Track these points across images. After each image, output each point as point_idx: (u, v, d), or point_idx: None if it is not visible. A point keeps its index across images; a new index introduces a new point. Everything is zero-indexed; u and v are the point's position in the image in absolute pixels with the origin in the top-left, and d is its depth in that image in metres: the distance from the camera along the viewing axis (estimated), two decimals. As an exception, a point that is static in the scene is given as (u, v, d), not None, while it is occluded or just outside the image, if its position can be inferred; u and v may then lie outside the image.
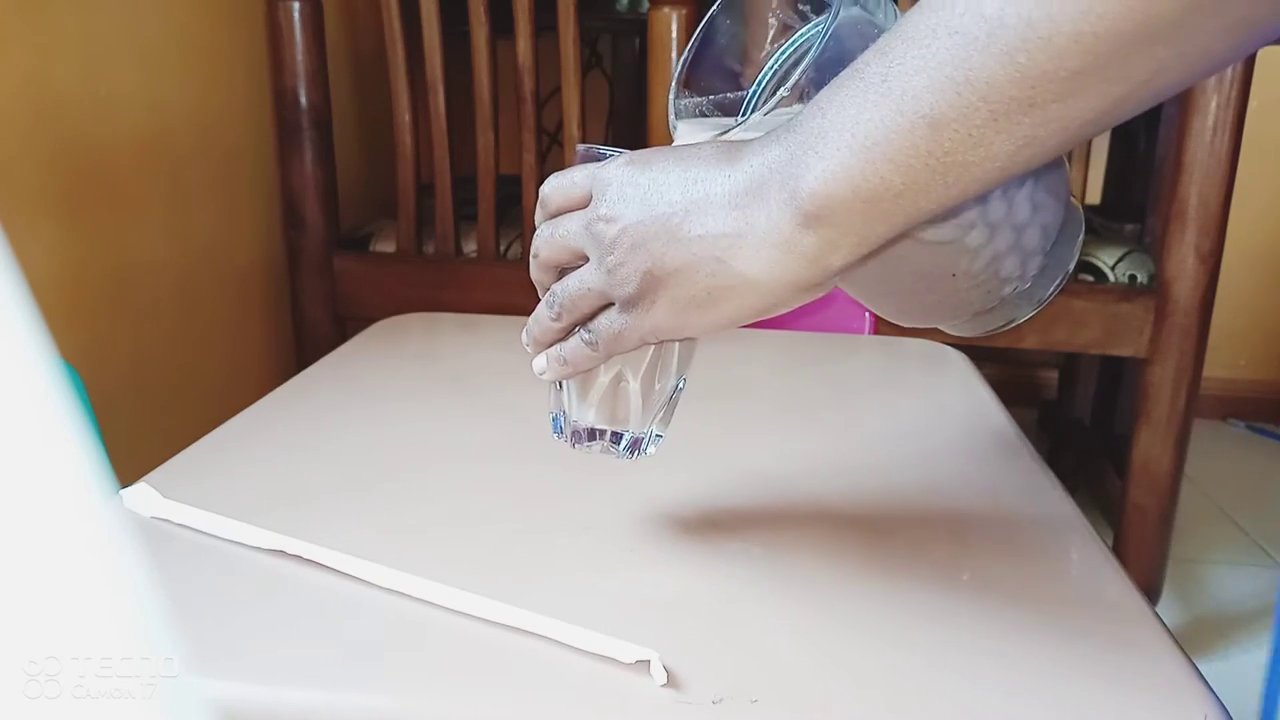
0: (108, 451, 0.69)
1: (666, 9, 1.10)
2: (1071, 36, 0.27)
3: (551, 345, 0.43)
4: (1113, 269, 1.17)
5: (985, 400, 0.70)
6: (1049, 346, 1.18)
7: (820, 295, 0.39)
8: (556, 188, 0.42)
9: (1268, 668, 0.44)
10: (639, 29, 1.33)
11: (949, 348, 0.83)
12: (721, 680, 0.36)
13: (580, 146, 0.45)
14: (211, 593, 0.42)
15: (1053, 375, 2.00)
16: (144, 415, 0.96)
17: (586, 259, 0.40)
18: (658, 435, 0.46)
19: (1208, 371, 1.21)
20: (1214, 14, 0.26)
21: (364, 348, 0.79)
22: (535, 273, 0.43)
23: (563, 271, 0.42)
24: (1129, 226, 1.40)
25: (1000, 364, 2.00)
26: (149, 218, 0.98)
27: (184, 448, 0.57)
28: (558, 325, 0.42)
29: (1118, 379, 1.62)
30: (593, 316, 0.41)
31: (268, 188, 1.23)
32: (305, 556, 0.43)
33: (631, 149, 0.42)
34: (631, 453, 0.46)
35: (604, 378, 0.44)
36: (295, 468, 0.55)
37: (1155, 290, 1.14)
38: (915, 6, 0.32)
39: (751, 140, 0.37)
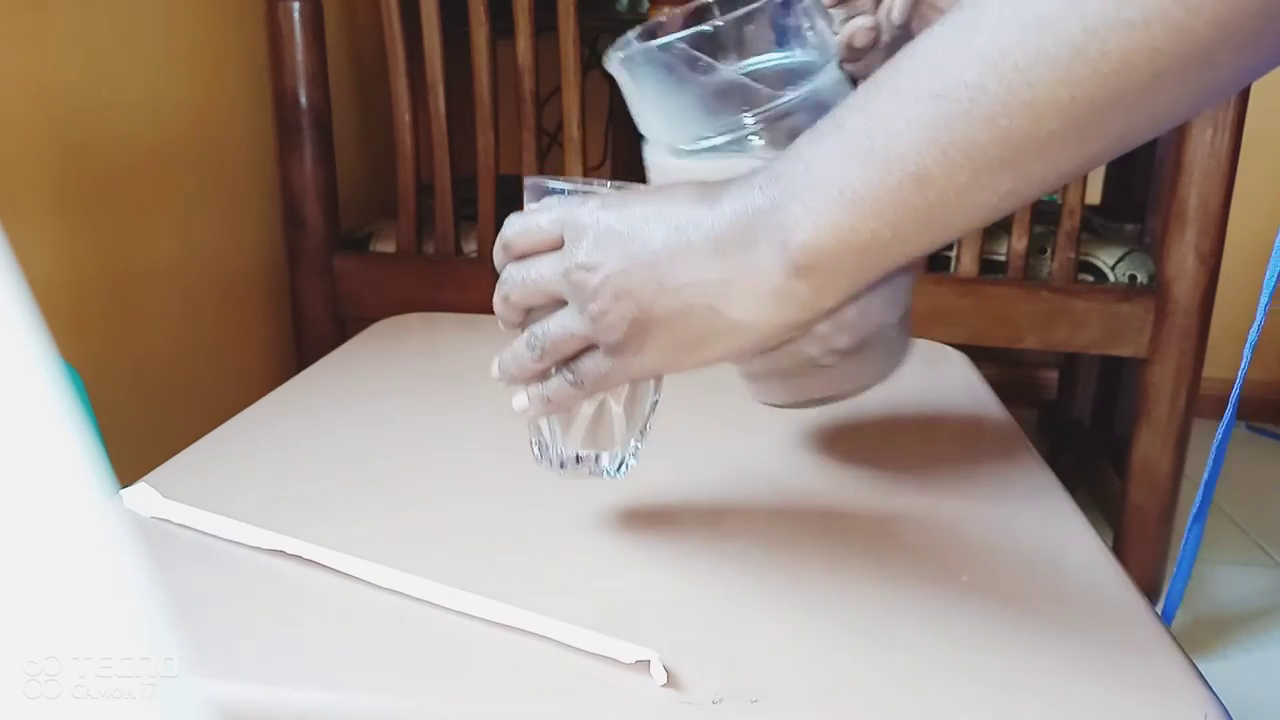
0: (108, 451, 0.69)
1: (666, 9, 1.10)
2: (1050, 103, 0.29)
3: (529, 382, 0.43)
4: (1113, 269, 1.17)
5: (985, 400, 0.70)
6: (1049, 346, 1.18)
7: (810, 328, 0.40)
8: (522, 231, 0.41)
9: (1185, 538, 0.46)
10: (639, 29, 1.33)
11: (949, 348, 0.83)
12: (721, 680, 0.36)
13: (529, 180, 0.45)
14: (211, 593, 0.42)
15: (1053, 375, 2.00)
16: (144, 415, 0.96)
17: (561, 302, 0.40)
18: (637, 446, 0.47)
19: (1208, 371, 1.21)
20: (1180, 81, 0.28)
21: (364, 348, 0.79)
22: (504, 312, 0.43)
23: (531, 310, 0.42)
24: (1129, 226, 1.40)
25: (1000, 364, 2.00)
26: (149, 218, 0.98)
27: (184, 448, 0.57)
28: (538, 366, 0.42)
29: (1118, 379, 1.62)
30: (575, 356, 0.41)
31: (268, 188, 1.23)
32: (305, 556, 0.43)
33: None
34: (619, 470, 0.46)
35: (588, 408, 0.44)
36: (295, 468, 0.55)
37: (1155, 290, 1.14)
38: (891, 65, 0.32)
39: (727, 183, 0.37)
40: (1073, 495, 0.53)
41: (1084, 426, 1.77)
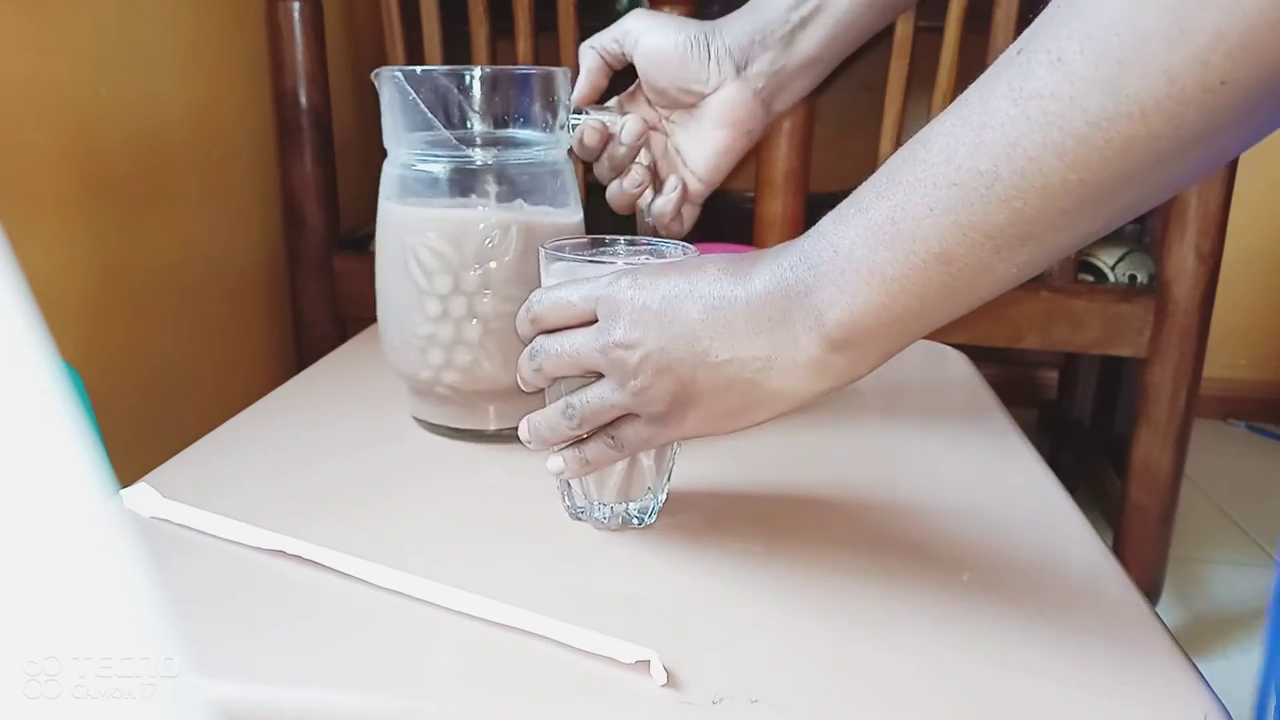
0: (108, 451, 0.69)
1: (666, 9, 1.10)
2: (1060, 185, 0.31)
3: (563, 445, 0.45)
4: (1113, 269, 1.17)
5: (985, 400, 0.70)
6: (1049, 346, 1.18)
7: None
8: (552, 306, 0.44)
9: (1262, 669, 0.44)
10: (639, 29, 1.33)
11: (949, 347, 0.83)
12: (721, 680, 0.36)
13: (543, 249, 0.48)
14: (211, 593, 0.42)
15: (1053, 375, 2.00)
16: (144, 415, 0.96)
17: (592, 373, 0.43)
18: (665, 491, 0.49)
19: (1208, 371, 1.21)
20: (1179, 160, 0.30)
21: (364, 348, 0.79)
22: (534, 380, 0.45)
23: (559, 378, 0.45)
24: (1129, 226, 1.40)
25: (1000, 364, 2.00)
26: (149, 218, 0.98)
27: (184, 448, 0.57)
28: (576, 433, 0.44)
29: (1118, 379, 1.62)
30: (613, 422, 0.43)
31: (268, 188, 1.23)
32: (305, 556, 0.43)
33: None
34: (650, 517, 0.49)
35: (621, 465, 0.47)
36: (295, 468, 0.55)
37: (1155, 290, 1.14)
38: (906, 154, 0.35)
39: (753, 261, 0.40)
40: (1073, 495, 0.53)
41: (1084, 426, 1.77)
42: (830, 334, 0.37)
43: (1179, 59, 0.27)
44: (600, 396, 0.42)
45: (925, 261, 0.34)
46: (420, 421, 0.61)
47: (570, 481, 0.48)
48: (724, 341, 0.39)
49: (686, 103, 0.60)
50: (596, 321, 0.42)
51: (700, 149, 0.60)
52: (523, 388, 0.46)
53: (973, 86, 0.34)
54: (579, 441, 0.45)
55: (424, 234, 0.54)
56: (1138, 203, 0.32)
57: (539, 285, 0.49)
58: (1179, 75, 0.28)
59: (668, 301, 0.40)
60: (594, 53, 0.61)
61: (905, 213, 0.34)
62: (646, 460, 0.47)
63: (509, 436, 0.58)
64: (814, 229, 0.38)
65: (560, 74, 0.56)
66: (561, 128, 0.57)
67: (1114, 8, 0.29)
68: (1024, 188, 0.31)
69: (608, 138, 0.61)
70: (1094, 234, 0.33)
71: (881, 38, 1.05)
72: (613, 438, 0.43)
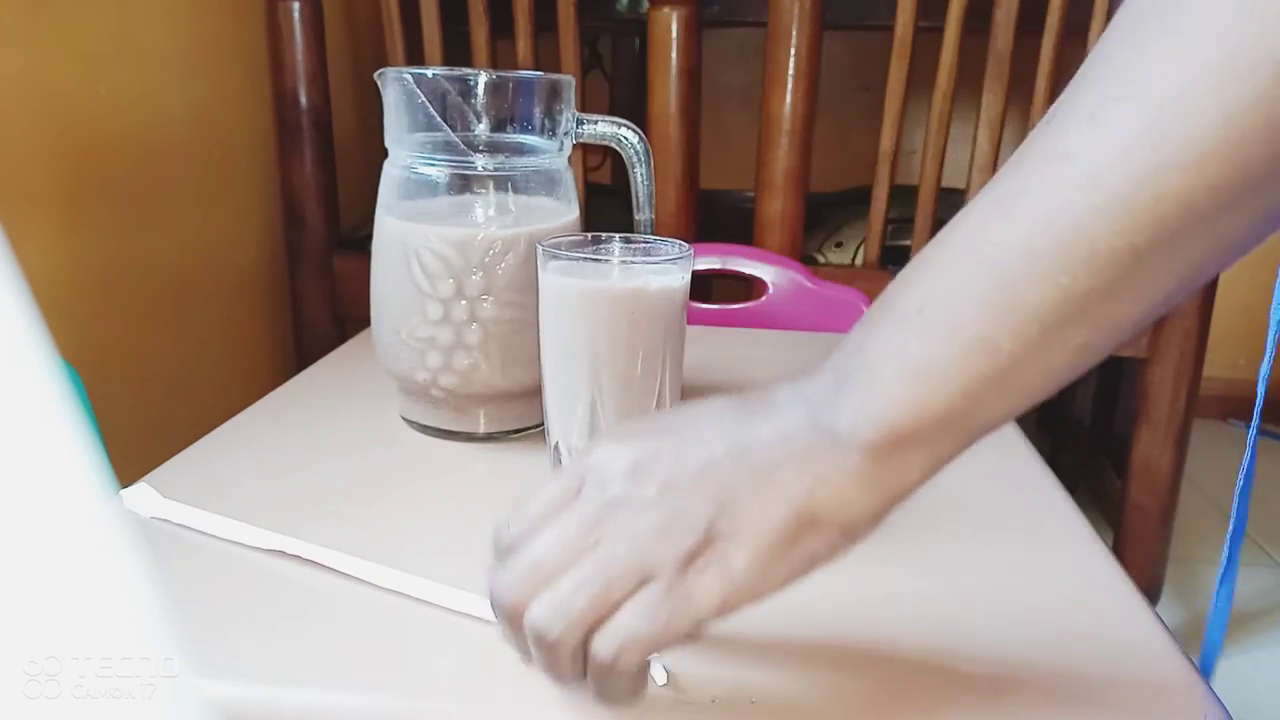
0: (108, 451, 0.69)
1: (666, 9, 1.10)
2: (1107, 254, 0.27)
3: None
4: (1113, 269, 1.17)
5: (985, 400, 0.70)
6: (1049, 346, 1.18)
7: None
8: (528, 515, 0.34)
9: (1214, 601, 0.45)
10: (639, 29, 1.33)
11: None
12: (720, 680, 0.36)
13: (541, 247, 0.48)
14: (212, 593, 0.42)
15: (1053, 375, 2.00)
16: (144, 415, 0.96)
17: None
18: None
19: (1208, 371, 1.21)
20: (1245, 210, 0.27)
21: (364, 348, 0.79)
22: (567, 665, 0.32)
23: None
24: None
25: (1000, 364, 2.00)
26: (149, 217, 0.98)
27: (184, 448, 0.57)
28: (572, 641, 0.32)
29: (1118, 379, 1.62)
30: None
31: (268, 188, 1.23)
32: (305, 556, 0.43)
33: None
34: None
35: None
36: (295, 468, 0.55)
37: (1155, 290, 1.14)
38: (933, 240, 0.31)
39: (764, 394, 0.34)
40: (1073, 495, 0.53)
41: (1084, 426, 1.77)
42: (867, 440, 0.31)
43: (1235, 96, 0.25)
44: (593, 570, 0.31)
45: (964, 349, 0.30)
46: (409, 422, 0.61)
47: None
48: (755, 445, 0.32)
49: None
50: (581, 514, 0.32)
51: None
52: (560, 683, 0.33)
53: (1004, 166, 0.30)
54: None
55: (427, 237, 0.54)
56: (1203, 266, 0.28)
57: (538, 286, 0.49)
58: (1235, 115, 0.25)
59: (671, 429, 0.33)
60: None
61: (936, 300, 0.30)
62: None
63: (498, 437, 0.58)
64: (838, 346, 0.33)
65: (566, 81, 0.56)
66: (565, 134, 0.57)
67: (1153, 55, 0.27)
68: (1070, 260, 0.28)
69: None
70: (1154, 309, 0.29)
71: (881, 38, 1.05)
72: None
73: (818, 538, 0.32)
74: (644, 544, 0.31)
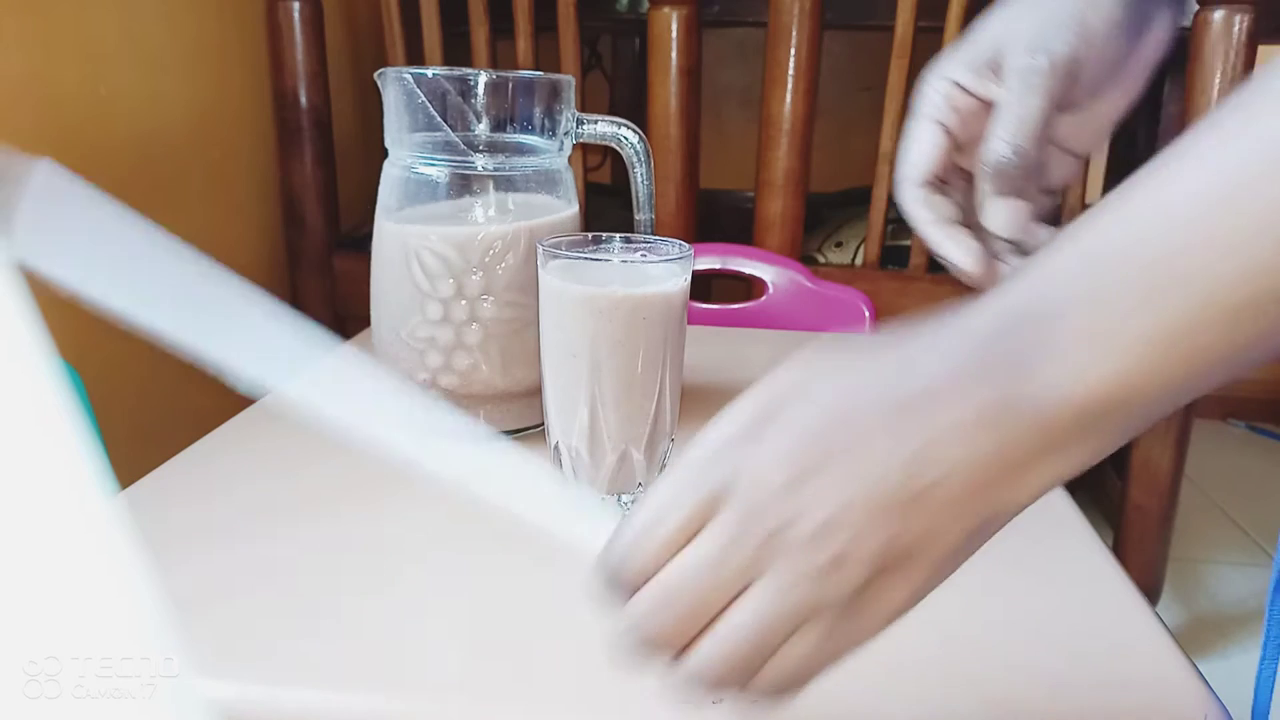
0: (108, 451, 0.69)
1: (666, 9, 1.10)
2: None
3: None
4: (1113, 269, 1.17)
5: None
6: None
7: None
8: (641, 535, 0.29)
9: (1259, 668, 0.44)
10: (639, 29, 1.33)
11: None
12: (721, 680, 0.36)
13: (541, 245, 0.48)
14: (212, 593, 0.42)
15: (1053, 375, 1.99)
16: (144, 415, 0.96)
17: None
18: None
19: (1208, 371, 1.20)
20: None
21: (364, 348, 0.79)
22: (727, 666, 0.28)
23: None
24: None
25: (1000, 364, 2.00)
26: (149, 217, 0.98)
27: (183, 448, 0.57)
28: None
29: (1118, 379, 1.62)
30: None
31: (268, 188, 1.23)
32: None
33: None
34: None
35: (612, 458, 0.47)
36: (295, 468, 0.55)
37: (1155, 290, 1.14)
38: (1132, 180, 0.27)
39: (917, 332, 0.28)
40: (1073, 495, 0.53)
41: (1084, 426, 1.76)
42: (1071, 406, 0.26)
43: None
44: (758, 614, 0.27)
45: (1226, 318, 0.24)
46: None
47: (565, 470, 0.48)
48: (932, 449, 0.27)
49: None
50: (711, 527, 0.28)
51: (1086, 125, 0.42)
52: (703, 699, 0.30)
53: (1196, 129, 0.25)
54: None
55: (427, 237, 0.54)
56: None
57: (539, 286, 0.49)
58: None
59: (828, 426, 0.28)
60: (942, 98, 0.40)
61: (1178, 255, 0.24)
62: (638, 454, 0.46)
63: (497, 439, 0.59)
64: (1011, 276, 0.27)
65: (566, 81, 0.56)
66: (565, 134, 0.57)
67: None
68: None
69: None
70: None
71: (881, 38, 1.05)
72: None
73: (985, 537, 0.29)
74: (812, 584, 0.27)
